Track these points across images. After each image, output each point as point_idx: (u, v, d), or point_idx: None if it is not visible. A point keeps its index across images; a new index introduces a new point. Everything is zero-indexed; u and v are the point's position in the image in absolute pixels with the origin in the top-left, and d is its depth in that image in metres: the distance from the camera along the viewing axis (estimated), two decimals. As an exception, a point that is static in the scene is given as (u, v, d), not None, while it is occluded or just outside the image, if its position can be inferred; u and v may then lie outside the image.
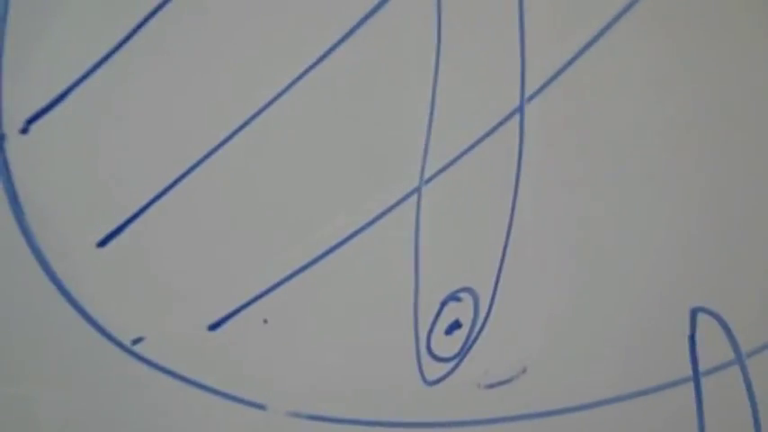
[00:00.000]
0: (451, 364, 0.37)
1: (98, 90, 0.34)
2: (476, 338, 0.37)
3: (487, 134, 0.35)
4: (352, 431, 0.37)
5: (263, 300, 0.36)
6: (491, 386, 0.37)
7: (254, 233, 0.36)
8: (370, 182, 0.36)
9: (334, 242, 0.36)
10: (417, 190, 0.36)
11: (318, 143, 0.35)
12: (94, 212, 0.35)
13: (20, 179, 0.35)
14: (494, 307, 0.37)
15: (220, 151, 0.35)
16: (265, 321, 0.36)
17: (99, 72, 0.34)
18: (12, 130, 0.34)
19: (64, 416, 0.36)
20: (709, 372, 0.37)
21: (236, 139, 0.35)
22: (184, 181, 0.35)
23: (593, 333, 0.38)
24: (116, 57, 0.34)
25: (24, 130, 0.34)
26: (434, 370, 0.37)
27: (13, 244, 0.35)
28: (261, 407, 0.37)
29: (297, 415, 0.37)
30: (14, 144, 0.34)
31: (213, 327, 0.36)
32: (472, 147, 0.35)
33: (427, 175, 0.36)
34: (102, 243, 0.35)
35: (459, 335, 0.37)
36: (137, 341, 0.36)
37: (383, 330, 0.36)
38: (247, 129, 0.35)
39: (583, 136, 0.36)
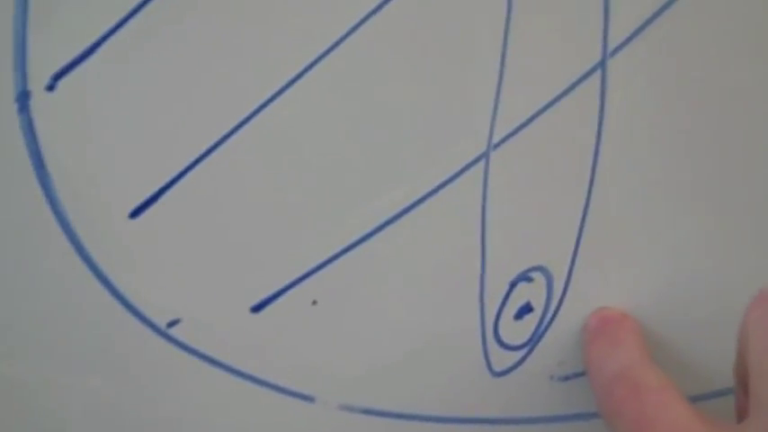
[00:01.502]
0: (521, 353, 0.33)
1: (132, 42, 0.31)
2: (549, 324, 0.33)
3: (565, 93, 0.31)
4: (412, 428, 0.33)
5: (312, 279, 0.32)
6: (566, 378, 0.33)
7: (303, 204, 0.32)
8: (431, 147, 0.32)
9: (390, 215, 0.32)
10: (485, 156, 0.32)
11: (372, 103, 0.32)
12: (127, 180, 0.32)
13: (46, 142, 0.31)
14: (569, 288, 0.33)
15: (265, 112, 0.31)
16: (314, 303, 0.32)
17: (133, 22, 0.31)
18: (37, 86, 0.31)
19: (92, 403, 0.33)
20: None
21: (281, 100, 0.31)
22: (225, 146, 0.31)
23: (678, 319, 0.34)
24: (150, 6, 0.31)
25: (51, 87, 0.31)
26: (502, 359, 0.33)
27: (39, 214, 0.31)
28: (309, 399, 0.33)
29: (350, 408, 0.33)
30: (40, 103, 0.31)
31: (256, 308, 0.32)
32: (547, 107, 0.31)
33: (496, 139, 0.32)
34: (135, 214, 0.32)
35: (531, 320, 0.33)
36: (172, 323, 0.32)
37: (445, 315, 0.33)
38: (293, 89, 0.31)
39: (672, 95, 0.32)
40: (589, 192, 0.32)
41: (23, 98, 0.31)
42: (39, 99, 0.31)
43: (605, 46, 0.31)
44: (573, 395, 0.33)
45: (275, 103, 0.31)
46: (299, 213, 0.32)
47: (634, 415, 0.28)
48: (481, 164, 0.32)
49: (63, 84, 0.31)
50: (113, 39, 0.31)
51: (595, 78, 0.31)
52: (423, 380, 0.33)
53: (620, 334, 0.31)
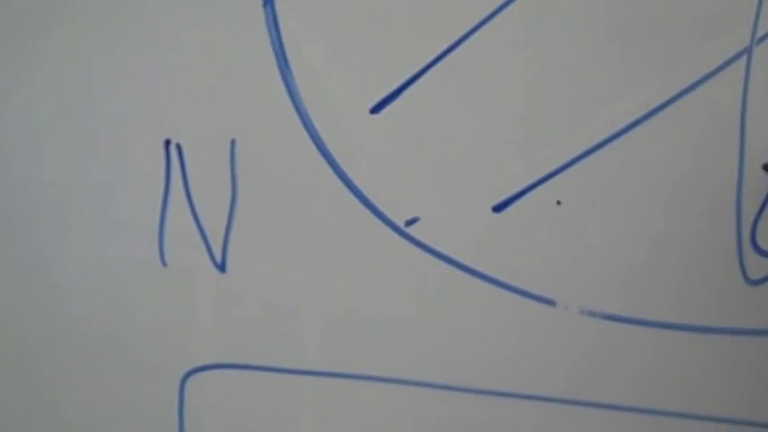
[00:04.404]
0: (780, 262, 0.31)
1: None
2: (813, 232, 0.31)
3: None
4: (656, 336, 0.31)
5: (557, 178, 0.31)
6: (827, 290, 0.31)
7: (549, 101, 0.31)
8: (687, 40, 0.30)
9: (641, 114, 0.30)
10: (747, 51, 0.30)
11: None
12: (369, 74, 0.31)
13: (288, 36, 0.31)
14: (836, 194, 0.31)
15: (506, 11, 0.30)
16: (559, 203, 0.31)
17: None
18: (284, -22, 0.31)
19: (325, 298, 0.33)
20: None
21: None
22: (463, 46, 0.31)
23: None
24: None
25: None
26: (760, 267, 0.31)
27: (281, 110, 0.31)
28: (550, 302, 0.32)
29: (591, 314, 0.32)
30: (285, -4, 0.31)
31: (498, 208, 0.31)
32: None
33: (760, 33, 0.30)
34: (376, 109, 0.31)
35: (792, 227, 0.31)
36: (411, 222, 0.32)
37: (698, 219, 0.31)
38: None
39: None
40: None
41: (269, -9, 0.31)
42: (284, -7, 0.31)
43: None
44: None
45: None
46: (545, 111, 0.31)
47: None
48: (743, 60, 0.30)
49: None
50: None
51: None
52: (671, 287, 0.31)
53: None
